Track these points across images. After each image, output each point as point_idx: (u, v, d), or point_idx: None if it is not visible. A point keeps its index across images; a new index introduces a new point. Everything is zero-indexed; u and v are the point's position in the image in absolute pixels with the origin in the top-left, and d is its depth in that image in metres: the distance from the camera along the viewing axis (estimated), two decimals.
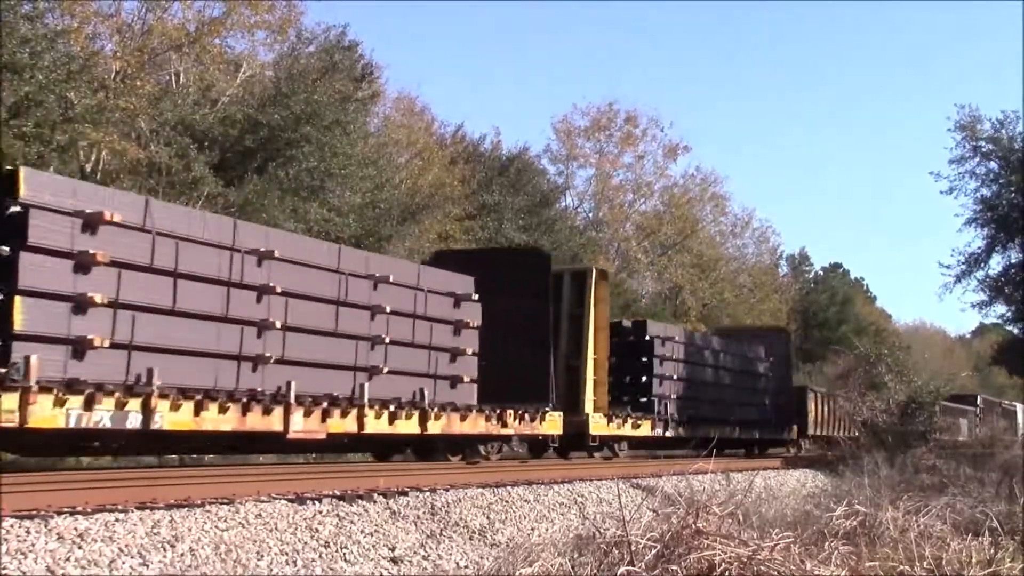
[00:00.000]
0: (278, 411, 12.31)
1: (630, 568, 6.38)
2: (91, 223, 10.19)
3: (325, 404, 13.05)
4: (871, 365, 28.45)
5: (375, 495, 10.11)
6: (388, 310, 14.15)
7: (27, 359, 9.44)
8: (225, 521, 8.12)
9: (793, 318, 56.84)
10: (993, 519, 9.18)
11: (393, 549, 8.82)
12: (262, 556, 7.75)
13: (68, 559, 6.67)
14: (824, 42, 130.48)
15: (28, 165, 17.40)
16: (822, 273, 71.15)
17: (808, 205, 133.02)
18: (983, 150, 35.57)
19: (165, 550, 7.24)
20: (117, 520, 7.47)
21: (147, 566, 6.94)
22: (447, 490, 11.12)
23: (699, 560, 6.43)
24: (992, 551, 7.85)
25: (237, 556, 7.52)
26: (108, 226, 10.32)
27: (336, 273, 13.54)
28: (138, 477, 10.34)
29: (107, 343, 10.25)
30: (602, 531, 7.16)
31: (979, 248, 36.31)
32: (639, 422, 20.64)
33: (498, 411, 16.01)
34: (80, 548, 6.84)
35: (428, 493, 10.73)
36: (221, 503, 8.60)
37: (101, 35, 23.40)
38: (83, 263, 10.10)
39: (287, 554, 7.95)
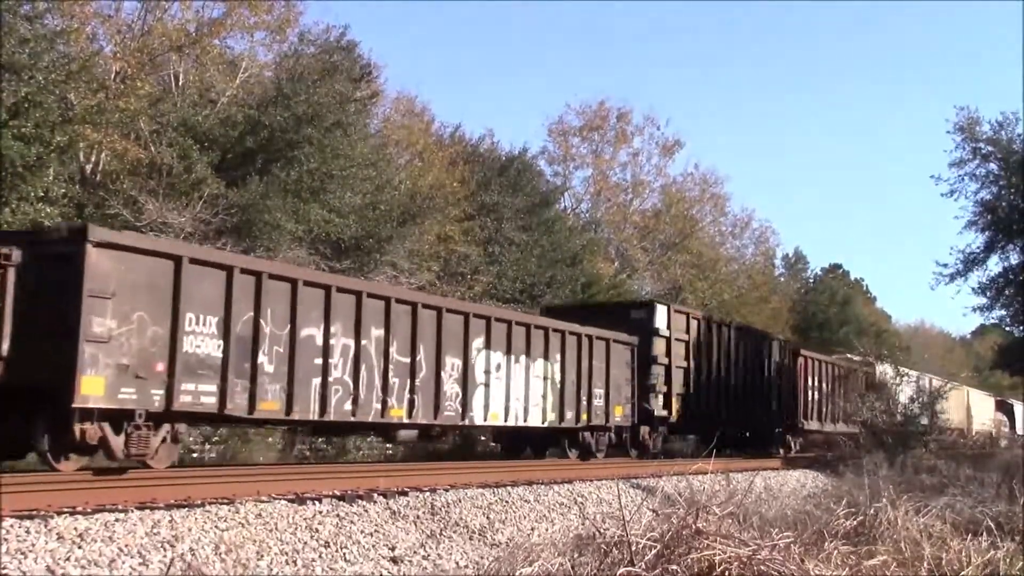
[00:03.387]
0: None
1: (630, 568, 6.37)
2: None
3: None
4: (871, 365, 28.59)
5: (375, 495, 10.13)
6: None
7: None
8: (225, 521, 8.13)
9: (793, 318, 56.82)
10: (993, 519, 9.19)
11: (393, 549, 8.82)
12: (262, 556, 7.75)
13: (68, 559, 6.68)
14: (823, 41, 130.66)
15: (28, 166, 17.45)
16: (821, 274, 71.26)
17: (807, 205, 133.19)
18: (982, 152, 35.55)
19: (165, 550, 7.24)
20: (117, 520, 7.48)
21: (147, 566, 6.95)
22: (447, 490, 11.14)
23: (699, 560, 6.42)
24: (992, 551, 7.86)
25: (237, 556, 7.52)
26: None
27: None
28: (138, 477, 10.34)
29: None
30: (602, 531, 7.16)
31: (978, 248, 36.30)
32: None
33: None
34: (80, 548, 6.85)
35: (428, 493, 10.75)
36: (221, 503, 8.62)
37: (100, 36, 23.43)
38: None
39: (287, 554, 7.96)
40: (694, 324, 22.73)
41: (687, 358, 22.17)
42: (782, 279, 62.77)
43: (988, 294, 36.86)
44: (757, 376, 26.06)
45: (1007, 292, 36.54)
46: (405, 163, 31.70)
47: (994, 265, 36.54)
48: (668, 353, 21.30)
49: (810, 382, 29.02)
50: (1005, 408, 56.23)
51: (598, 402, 18.74)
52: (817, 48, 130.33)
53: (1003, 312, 38.23)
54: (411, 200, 27.64)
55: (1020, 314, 37.17)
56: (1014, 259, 36.16)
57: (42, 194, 17.70)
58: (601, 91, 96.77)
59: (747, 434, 25.54)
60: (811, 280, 69.37)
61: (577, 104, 48.62)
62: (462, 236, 30.46)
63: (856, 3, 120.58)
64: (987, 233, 35.97)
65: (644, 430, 20.33)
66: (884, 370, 31.08)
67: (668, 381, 21.20)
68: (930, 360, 50.44)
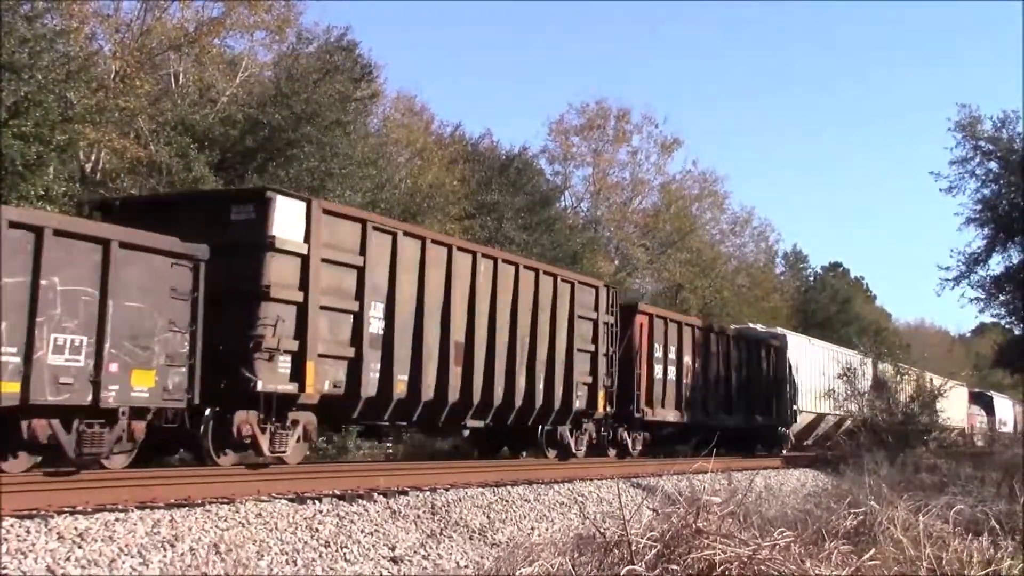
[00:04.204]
0: None
1: (631, 567, 6.37)
2: None
3: None
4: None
5: (375, 494, 10.13)
6: None
7: None
8: (225, 521, 8.13)
9: (794, 317, 56.83)
10: (993, 519, 9.18)
11: (393, 549, 8.82)
12: (262, 556, 7.74)
13: (68, 559, 6.67)
14: (823, 40, 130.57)
15: (28, 165, 17.45)
16: (821, 272, 71.30)
17: (807, 204, 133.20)
18: (983, 150, 35.51)
19: (165, 550, 7.24)
20: (117, 520, 7.48)
21: (147, 566, 6.94)
22: (447, 489, 11.14)
23: (699, 559, 6.42)
24: (992, 551, 7.86)
25: (237, 556, 7.52)
26: None
27: None
28: (138, 477, 10.33)
29: None
30: (602, 531, 7.16)
31: (979, 248, 36.28)
32: None
33: None
34: (80, 548, 6.85)
35: (428, 492, 10.75)
36: (221, 503, 8.62)
37: (100, 35, 23.46)
38: None
39: (287, 554, 7.95)
40: (380, 240, 13.54)
41: (359, 296, 13.18)
42: (782, 277, 62.82)
43: (986, 288, 36.81)
44: (551, 340, 17.21)
45: (1007, 288, 36.49)
46: (405, 162, 31.71)
47: (996, 265, 36.54)
48: (305, 284, 12.23)
49: (661, 354, 21.36)
50: (983, 401, 51.94)
51: (48, 358, 9.69)
52: (817, 46, 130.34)
53: (1002, 310, 38.22)
54: (411, 199, 27.66)
55: (1020, 311, 37.12)
56: (1015, 257, 36.16)
57: (42, 193, 17.71)
58: (600, 90, 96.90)
59: (528, 426, 17.25)
60: (811, 278, 69.42)
61: (578, 103, 48.68)
62: (462, 235, 30.46)
63: (856, 2, 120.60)
64: (987, 231, 35.94)
65: (244, 417, 11.74)
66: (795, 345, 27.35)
67: (302, 333, 12.16)
68: (930, 359, 50.22)
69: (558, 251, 34.36)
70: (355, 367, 13.18)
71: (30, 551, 6.61)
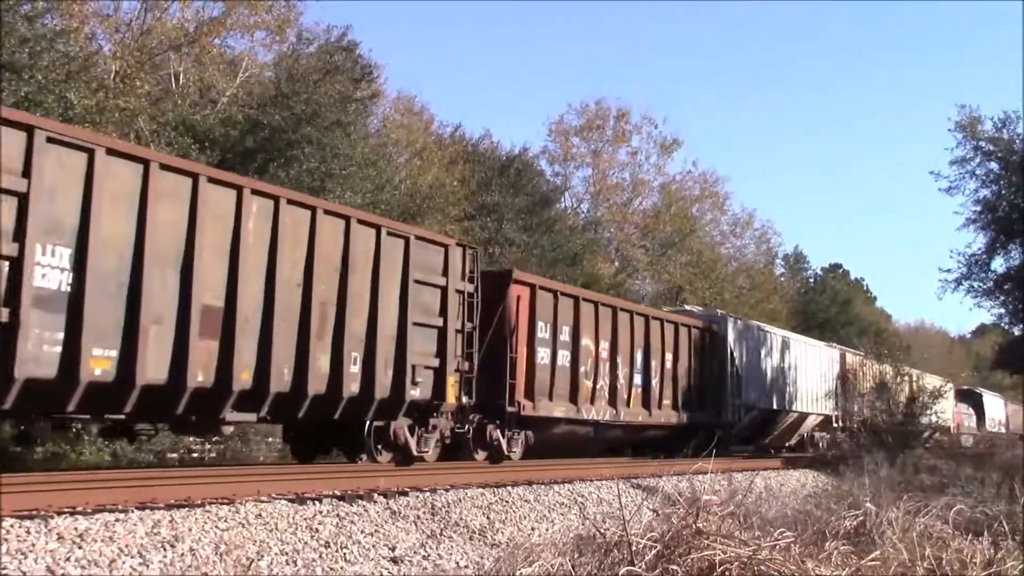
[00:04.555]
0: None
1: (631, 568, 6.37)
2: None
3: None
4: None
5: (375, 495, 10.14)
6: None
7: None
8: (225, 521, 8.13)
9: (794, 319, 56.83)
10: (993, 519, 9.19)
11: (393, 549, 8.82)
12: (262, 556, 7.75)
13: (68, 559, 6.68)
14: (823, 40, 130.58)
15: None
16: (821, 274, 71.31)
17: (808, 205, 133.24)
18: (984, 150, 35.49)
19: (165, 550, 7.24)
20: (117, 520, 7.48)
21: (147, 566, 6.94)
22: (447, 490, 11.14)
23: (700, 560, 6.42)
24: (992, 551, 7.85)
25: (237, 556, 7.52)
26: None
27: None
28: (138, 477, 10.34)
29: None
30: (602, 531, 7.16)
31: (979, 250, 36.27)
32: None
33: None
34: (80, 548, 6.85)
35: (428, 493, 10.75)
36: (221, 503, 8.62)
37: (100, 35, 23.49)
38: None
39: (287, 554, 7.95)
40: (63, 159, 9.59)
41: (19, 236, 9.13)
42: (783, 279, 62.86)
43: (982, 283, 36.80)
44: (373, 310, 13.22)
45: (1006, 287, 36.49)
46: (405, 162, 31.72)
47: (997, 266, 36.54)
48: None
49: (548, 334, 17.13)
50: (971, 399, 49.52)
51: None
52: (817, 47, 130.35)
53: (1002, 310, 38.23)
54: (411, 199, 27.65)
55: (1020, 312, 37.11)
56: (1016, 259, 36.14)
57: None
58: (599, 90, 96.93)
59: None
60: (811, 280, 69.45)
61: (577, 103, 48.72)
62: (462, 236, 30.46)
63: (856, 2, 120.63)
64: (987, 232, 35.92)
65: None
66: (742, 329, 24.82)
67: None
68: (930, 360, 50.17)
69: (558, 252, 34.36)
70: (8, 336, 9.05)
71: (30, 551, 6.61)
